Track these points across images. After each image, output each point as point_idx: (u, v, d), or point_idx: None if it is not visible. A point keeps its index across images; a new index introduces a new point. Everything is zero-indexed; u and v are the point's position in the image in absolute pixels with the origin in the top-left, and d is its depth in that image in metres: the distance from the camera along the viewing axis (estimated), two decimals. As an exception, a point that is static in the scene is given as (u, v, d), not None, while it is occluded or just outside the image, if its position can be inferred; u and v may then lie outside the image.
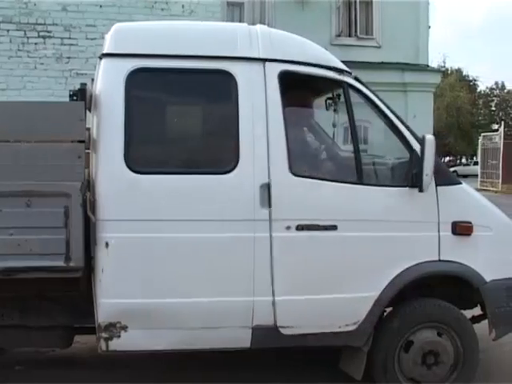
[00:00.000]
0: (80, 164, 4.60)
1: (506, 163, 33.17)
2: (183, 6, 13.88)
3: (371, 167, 5.48)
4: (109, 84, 4.84)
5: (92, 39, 13.26)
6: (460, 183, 5.53)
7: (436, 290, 5.49)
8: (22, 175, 4.49)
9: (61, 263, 4.50)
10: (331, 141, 6.16)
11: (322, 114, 6.21)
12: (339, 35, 19.91)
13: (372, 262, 5.13)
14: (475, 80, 65.56)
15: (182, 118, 5.39)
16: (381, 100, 5.38)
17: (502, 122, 40.29)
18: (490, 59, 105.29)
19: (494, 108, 66.62)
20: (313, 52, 5.38)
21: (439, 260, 5.25)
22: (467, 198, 5.53)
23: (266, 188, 4.87)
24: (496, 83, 66.93)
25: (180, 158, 5.07)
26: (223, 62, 4.97)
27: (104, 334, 4.76)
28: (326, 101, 6.04)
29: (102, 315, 4.73)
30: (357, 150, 5.16)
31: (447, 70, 59.21)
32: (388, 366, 5.26)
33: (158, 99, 5.18)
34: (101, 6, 13.39)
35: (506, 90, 66.22)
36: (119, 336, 4.77)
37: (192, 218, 4.82)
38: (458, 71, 63.60)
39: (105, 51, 4.91)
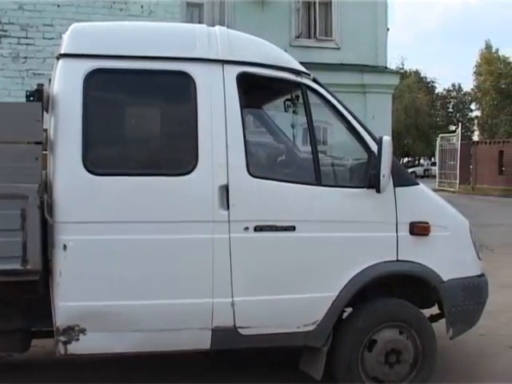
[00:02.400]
0: (37, 166, 4.55)
1: (463, 164, 33.65)
2: (142, 7, 13.75)
3: (329, 168, 5.59)
4: (66, 85, 4.79)
5: (49, 39, 13.05)
6: (417, 184, 5.64)
7: (395, 290, 5.59)
8: None
9: (18, 266, 4.45)
10: (290, 142, 6.25)
11: (282, 116, 6.28)
12: (298, 36, 19.95)
13: (330, 263, 5.20)
14: (433, 82, 66.49)
15: (141, 120, 5.40)
16: (339, 101, 5.44)
17: (460, 124, 40.81)
18: (448, 61, 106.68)
19: (451, 109, 67.49)
20: (271, 54, 5.42)
21: (397, 260, 5.36)
22: (424, 199, 5.64)
23: (225, 189, 4.91)
24: (453, 85, 67.89)
25: (139, 159, 5.07)
26: (182, 63, 4.99)
27: (62, 338, 4.71)
28: (284, 102, 6.07)
29: (60, 318, 4.69)
30: (315, 151, 5.23)
31: (406, 71, 59.88)
32: (352, 366, 5.31)
33: (117, 100, 5.18)
34: (58, 6, 13.19)
35: (462, 92, 67.07)
36: (78, 339, 4.73)
37: (151, 220, 4.81)
38: (416, 73, 64.38)
39: (62, 51, 4.86)
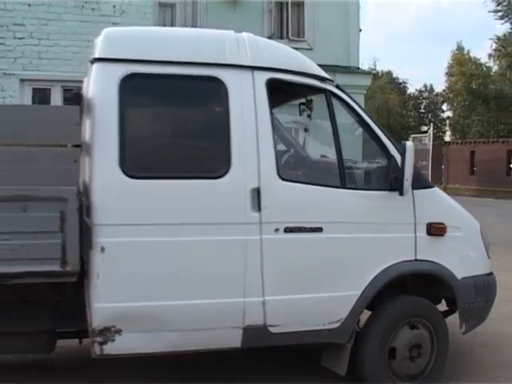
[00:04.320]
0: (76, 168, 4.65)
1: (435, 164, 33.89)
2: (114, 6, 13.67)
3: (352, 171, 5.84)
4: (102, 89, 4.87)
5: (20, 38, 12.96)
6: (433, 186, 6.01)
7: (408, 288, 5.89)
8: (18, 180, 4.51)
9: (57, 268, 4.54)
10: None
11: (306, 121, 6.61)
12: (271, 37, 19.83)
13: (355, 262, 5.46)
14: (405, 83, 66.76)
15: (175, 124, 5.46)
16: (361, 108, 5.75)
17: (431, 124, 41.09)
18: (419, 62, 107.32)
19: (423, 110, 67.83)
20: (297, 60, 5.65)
21: (415, 259, 5.67)
22: (439, 201, 5.99)
23: (256, 192, 5.09)
24: (425, 86, 68.18)
25: (174, 162, 5.14)
26: (213, 68, 5.14)
27: (98, 339, 4.80)
28: (299, 105, 6.45)
29: (97, 320, 4.78)
30: (340, 155, 5.46)
31: (378, 72, 60.04)
32: (380, 362, 5.59)
33: (151, 105, 5.38)
34: (29, 5, 13.07)
35: (434, 93, 67.47)
36: (113, 340, 4.83)
37: (186, 222, 4.95)
38: (389, 74, 64.58)
39: (97, 55, 4.95)
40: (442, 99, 64.81)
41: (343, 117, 5.70)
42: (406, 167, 5.35)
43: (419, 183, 5.68)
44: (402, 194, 5.41)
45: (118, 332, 4.82)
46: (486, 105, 48.71)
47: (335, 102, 5.61)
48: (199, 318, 5.02)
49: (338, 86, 5.70)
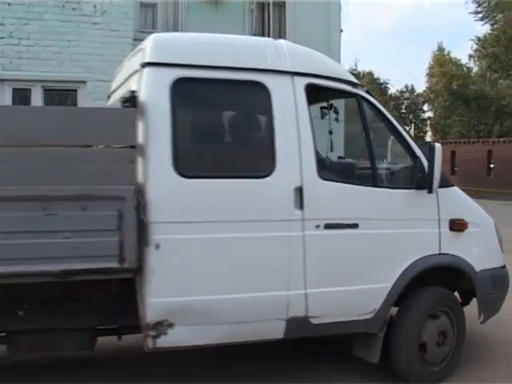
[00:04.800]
0: (132, 168, 4.80)
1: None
2: (95, 6, 13.66)
3: (383, 171, 6.16)
4: (154, 92, 5.04)
5: (0, 38, 12.92)
6: (453, 185, 6.40)
7: (429, 280, 6.24)
8: (77, 180, 4.66)
9: (115, 265, 4.71)
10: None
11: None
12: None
13: (387, 256, 5.83)
14: (386, 83, 67.06)
15: (222, 126, 5.73)
16: (389, 112, 6.16)
17: (412, 125, 41.29)
18: (400, 63, 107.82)
19: (404, 110, 68.10)
20: (331, 66, 6.06)
21: (439, 253, 6.08)
22: (460, 198, 6.45)
23: (299, 191, 5.36)
24: (406, 86, 68.51)
25: (222, 162, 5.45)
26: (256, 73, 5.39)
27: (152, 333, 4.97)
28: (321, 109, 6.96)
29: (151, 314, 4.95)
30: (372, 157, 5.87)
31: (359, 73, 60.28)
32: (415, 351, 5.97)
33: (200, 108, 5.55)
34: (9, 4, 13.04)
35: (415, 93, 67.80)
36: (166, 333, 5.01)
37: (235, 220, 5.18)
38: (370, 74, 64.86)
39: (147, 60, 5.12)
40: (422, 100, 65.14)
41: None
42: (436, 167, 5.75)
43: (442, 182, 5.95)
44: (431, 192, 5.83)
45: (171, 326, 4.99)
46: (466, 105, 49.01)
47: (365, 105, 5.97)
48: (247, 311, 5.24)
49: (368, 92, 6.09)
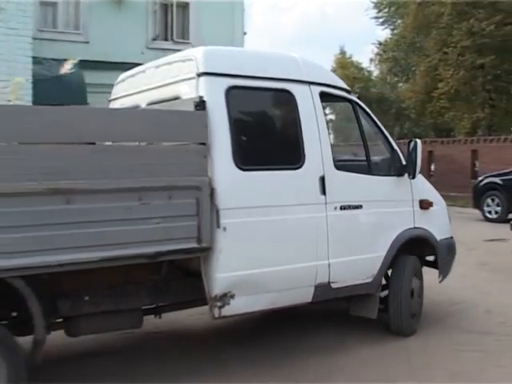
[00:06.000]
0: (205, 162, 5.66)
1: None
2: (-7, 3, 13.29)
3: (374, 162, 7.40)
4: (213, 98, 5.83)
5: None
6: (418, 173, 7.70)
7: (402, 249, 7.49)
8: (164, 172, 5.42)
9: (194, 245, 5.55)
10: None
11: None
12: (155, 39, 19.81)
13: (381, 230, 7.22)
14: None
15: (265, 126, 6.85)
16: (373, 115, 7.55)
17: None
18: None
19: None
20: (332, 77, 7.45)
21: (414, 227, 7.58)
22: (424, 183, 7.99)
23: (322, 180, 6.55)
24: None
25: (268, 156, 6.42)
26: (286, 83, 6.50)
27: (218, 303, 5.84)
28: None
29: (218, 288, 5.82)
30: (367, 151, 7.25)
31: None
32: (408, 303, 7.47)
33: (249, 111, 6.62)
34: None
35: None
36: (229, 303, 5.90)
37: (279, 204, 6.25)
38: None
39: (202, 70, 5.91)
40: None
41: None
42: (418, 158, 7.37)
43: (405, 168, 7.47)
44: (414, 177, 7.46)
45: (232, 296, 5.88)
46: (368, 107, 49.97)
47: (358, 108, 7.33)
48: (288, 280, 6.28)
49: (358, 97, 7.50)
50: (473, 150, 29.75)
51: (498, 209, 20.37)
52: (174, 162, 5.52)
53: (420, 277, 7.75)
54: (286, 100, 6.58)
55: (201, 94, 5.76)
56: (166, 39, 20.13)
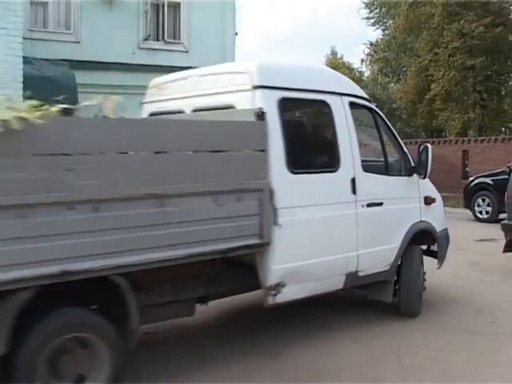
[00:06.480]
0: (265, 167, 6.37)
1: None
2: (-19, 3, 13.20)
3: (392, 164, 8.36)
4: (268, 109, 6.45)
5: None
6: None
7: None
8: (234, 177, 6.13)
9: (257, 241, 6.31)
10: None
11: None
12: (147, 39, 19.72)
13: (397, 224, 8.17)
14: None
15: (310, 133, 8.11)
16: (388, 121, 8.51)
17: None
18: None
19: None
20: (358, 88, 8.16)
21: (420, 221, 8.54)
22: (427, 182, 8.78)
23: (353, 181, 7.39)
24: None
25: (313, 160, 7.46)
26: (323, 94, 7.31)
27: (273, 292, 6.62)
28: None
29: (273, 278, 6.58)
30: (385, 153, 8.25)
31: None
32: (419, 286, 8.61)
33: (296, 121, 7.72)
34: None
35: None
36: (281, 292, 6.67)
37: (323, 203, 7.05)
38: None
39: (257, 84, 6.58)
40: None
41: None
42: (429, 161, 8.38)
43: (414, 169, 8.47)
44: (425, 177, 8.53)
45: (284, 285, 6.65)
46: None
47: (377, 116, 8.22)
48: (327, 269, 7.15)
49: (376, 106, 8.40)
50: (464, 151, 29.84)
51: (489, 209, 20.41)
52: (242, 168, 6.20)
53: (422, 264, 8.76)
54: (323, 110, 7.44)
55: (258, 106, 6.42)
56: (157, 39, 20.02)
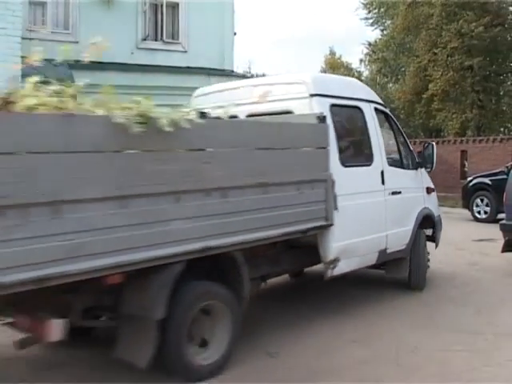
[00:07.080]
0: (328, 162, 7.68)
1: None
2: (-20, 3, 13.17)
3: (403, 160, 9.94)
4: (324, 113, 7.73)
5: None
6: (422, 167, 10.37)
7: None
8: (309, 169, 7.44)
9: (323, 223, 7.61)
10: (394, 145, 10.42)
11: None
12: (145, 39, 19.69)
13: (411, 209, 9.75)
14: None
15: (351, 134, 9.31)
16: (399, 123, 10.24)
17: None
18: (295, 67, 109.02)
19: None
20: (376, 95, 9.73)
21: (425, 207, 10.13)
22: (427, 174, 10.39)
23: (382, 173, 8.98)
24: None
25: (356, 156, 9.01)
26: (358, 101, 8.88)
27: (331, 266, 7.91)
28: None
29: (332, 254, 7.89)
30: (400, 151, 9.88)
31: (252, 75, 60.49)
32: (425, 263, 10.24)
33: (342, 123, 8.54)
34: None
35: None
36: (337, 266, 7.98)
37: (364, 191, 8.53)
38: (264, 76, 65.24)
39: (313, 92, 8.00)
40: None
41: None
42: (434, 156, 10.17)
43: (420, 164, 10.20)
44: (431, 170, 10.31)
45: (339, 260, 7.95)
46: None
47: (390, 119, 9.84)
48: (368, 246, 8.63)
49: (390, 110, 9.99)
50: (462, 151, 29.82)
51: (487, 209, 20.46)
52: (313, 162, 7.54)
53: (425, 245, 10.22)
54: (358, 114, 8.86)
55: (315, 111, 7.72)
56: (155, 39, 19.98)
